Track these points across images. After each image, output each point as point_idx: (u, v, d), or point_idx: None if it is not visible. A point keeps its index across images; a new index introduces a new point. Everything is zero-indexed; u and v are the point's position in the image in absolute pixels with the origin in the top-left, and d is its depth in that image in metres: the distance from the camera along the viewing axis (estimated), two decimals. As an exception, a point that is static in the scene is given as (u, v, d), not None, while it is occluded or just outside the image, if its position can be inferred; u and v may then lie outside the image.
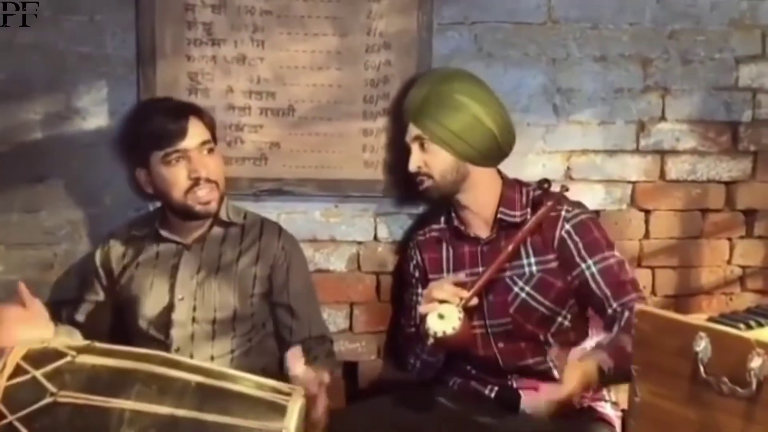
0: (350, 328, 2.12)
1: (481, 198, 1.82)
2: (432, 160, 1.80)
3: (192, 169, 1.69)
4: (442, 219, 1.91)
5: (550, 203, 1.73)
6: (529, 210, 1.79)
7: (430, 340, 1.59)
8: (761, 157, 2.17)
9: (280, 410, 1.36)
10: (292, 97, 2.01)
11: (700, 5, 2.09)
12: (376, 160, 2.04)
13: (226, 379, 1.42)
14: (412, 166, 1.81)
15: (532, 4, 2.04)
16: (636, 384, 1.05)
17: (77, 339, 1.66)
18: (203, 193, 1.70)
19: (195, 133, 1.71)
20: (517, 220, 1.78)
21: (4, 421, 1.31)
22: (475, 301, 1.66)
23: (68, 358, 1.37)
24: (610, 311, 1.66)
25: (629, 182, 2.16)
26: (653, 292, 2.19)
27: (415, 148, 1.81)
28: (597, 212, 2.06)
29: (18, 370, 1.35)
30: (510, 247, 1.70)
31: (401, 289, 2.03)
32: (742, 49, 2.13)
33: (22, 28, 1.92)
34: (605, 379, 1.50)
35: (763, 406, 0.89)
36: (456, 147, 1.78)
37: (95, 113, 2.01)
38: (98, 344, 1.47)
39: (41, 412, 1.32)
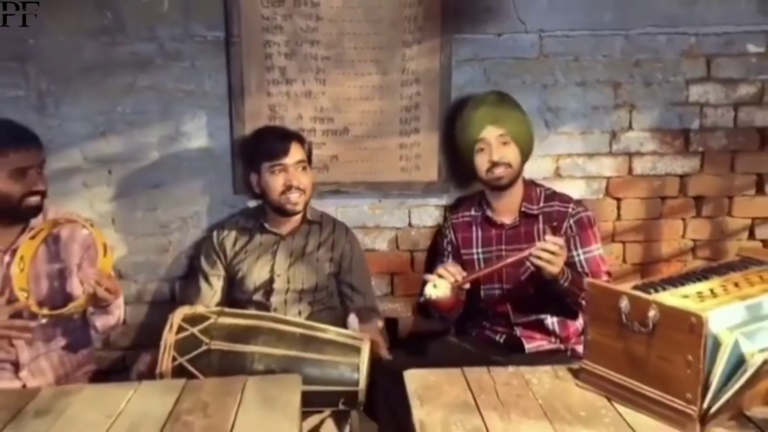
0: (392, 292, 2.65)
1: (513, 193, 2.30)
2: (509, 153, 2.23)
3: (288, 178, 2.21)
4: (473, 208, 2.38)
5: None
6: (542, 204, 2.27)
7: (422, 299, 2.08)
8: (707, 156, 2.61)
9: (356, 350, 1.91)
10: (346, 121, 2.47)
11: (658, 40, 2.51)
12: (410, 167, 2.52)
13: (318, 330, 1.98)
14: (497, 156, 2.21)
15: (527, 43, 2.49)
16: (588, 328, 1.63)
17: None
18: (293, 196, 2.22)
19: (294, 154, 2.21)
20: (535, 212, 2.28)
21: (176, 362, 1.85)
22: (467, 286, 2.06)
23: (212, 319, 1.93)
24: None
25: (604, 177, 2.61)
26: (624, 261, 2.68)
27: (496, 144, 2.22)
28: (580, 200, 2.44)
29: (180, 329, 1.90)
30: (500, 264, 2.08)
31: (434, 259, 2.49)
32: (691, 73, 2.54)
33: (141, 73, 2.40)
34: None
35: (657, 338, 1.46)
36: (523, 144, 2.26)
37: (197, 136, 2.48)
38: (227, 309, 2.05)
39: (200, 356, 1.86)
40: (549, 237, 2.02)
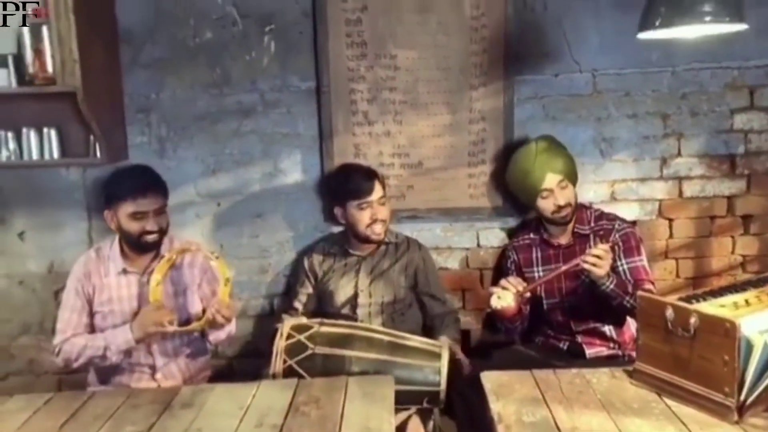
0: (463, 306, 2.91)
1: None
2: (569, 194, 2.50)
3: (373, 213, 2.53)
4: (531, 232, 2.65)
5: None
6: (593, 224, 2.54)
7: (488, 309, 2.34)
8: (753, 178, 2.79)
9: (437, 355, 2.19)
10: (420, 156, 2.77)
11: (702, 75, 2.72)
12: (478, 194, 2.80)
13: (402, 338, 2.27)
14: (562, 201, 2.46)
15: (582, 82, 2.74)
16: (639, 334, 1.89)
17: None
18: (378, 228, 2.54)
19: (377, 191, 2.53)
20: (586, 232, 2.54)
21: (287, 364, 2.15)
22: (528, 294, 2.34)
23: (315, 328, 2.24)
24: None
25: (657, 200, 2.82)
26: (678, 276, 2.87)
27: (558, 189, 2.47)
28: (634, 222, 2.70)
29: (289, 336, 2.21)
30: (556, 273, 2.35)
31: (499, 276, 2.70)
32: (735, 103, 2.74)
33: (245, 120, 2.76)
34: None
35: (698, 341, 1.70)
36: (575, 181, 2.54)
37: (293, 172, 2.81)
38: (326, 320, 2.33)
39: (306, 359, 2.16)
40: (596, 244, 2.31)
